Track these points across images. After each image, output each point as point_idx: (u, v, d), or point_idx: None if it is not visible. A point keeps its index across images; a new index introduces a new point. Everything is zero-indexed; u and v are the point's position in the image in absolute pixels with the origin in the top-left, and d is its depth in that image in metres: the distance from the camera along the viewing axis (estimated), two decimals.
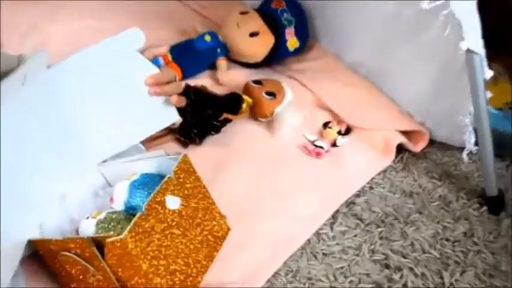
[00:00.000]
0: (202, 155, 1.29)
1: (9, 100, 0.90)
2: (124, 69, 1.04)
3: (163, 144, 1.31)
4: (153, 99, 1.06)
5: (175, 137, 1.33)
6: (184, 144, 1.32)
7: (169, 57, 1.51)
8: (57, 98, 1.00)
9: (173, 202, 0.99)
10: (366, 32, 1.45)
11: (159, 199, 0.98)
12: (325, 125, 1.41)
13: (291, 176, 1.30)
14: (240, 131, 1.37)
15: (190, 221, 1.03)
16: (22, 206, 0.96)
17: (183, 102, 1.11)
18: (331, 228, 1.23)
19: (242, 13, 1.54)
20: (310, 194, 1.27)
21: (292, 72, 1.54)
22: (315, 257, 1.17)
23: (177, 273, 0.98)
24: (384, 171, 1.36)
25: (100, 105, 1.05)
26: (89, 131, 1.04)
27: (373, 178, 1.34)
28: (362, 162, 1.35)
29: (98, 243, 0.92)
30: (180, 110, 1.13)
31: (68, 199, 1.04)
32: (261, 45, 1.52)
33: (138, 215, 0.93)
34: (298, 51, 1.59)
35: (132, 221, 0.92)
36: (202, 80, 1.50)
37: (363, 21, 1.45)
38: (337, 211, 1.26)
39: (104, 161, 1.09)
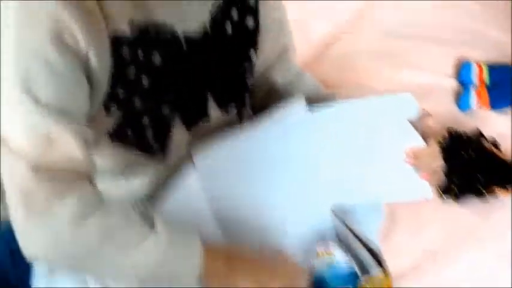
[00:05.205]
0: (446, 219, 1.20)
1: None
2: (388, 130, 1.00)
3: None
4: (408, 168, 0.99)
5: None
6: (441, 195, 1.22)
7: (486, 79, 1.34)
8: (314, 140, 1.02)
9: None
10: None
11: None
12: None
13: None
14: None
15: None
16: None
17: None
18: None
19: None
20: None
21: None
22: None
23: None
24: None
25: (351, 154, 1.02)
26: (332, 174, 1.02)
27: None
28: None
29: None
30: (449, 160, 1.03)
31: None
32: None
33: None
34: None
35: None
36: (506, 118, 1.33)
37: None
38: None
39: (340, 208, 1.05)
